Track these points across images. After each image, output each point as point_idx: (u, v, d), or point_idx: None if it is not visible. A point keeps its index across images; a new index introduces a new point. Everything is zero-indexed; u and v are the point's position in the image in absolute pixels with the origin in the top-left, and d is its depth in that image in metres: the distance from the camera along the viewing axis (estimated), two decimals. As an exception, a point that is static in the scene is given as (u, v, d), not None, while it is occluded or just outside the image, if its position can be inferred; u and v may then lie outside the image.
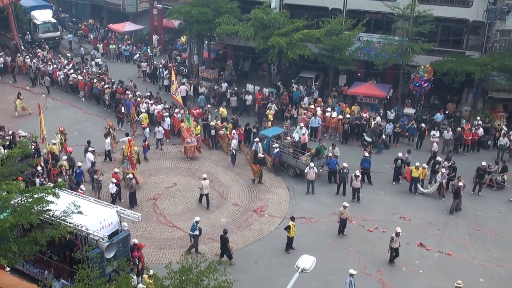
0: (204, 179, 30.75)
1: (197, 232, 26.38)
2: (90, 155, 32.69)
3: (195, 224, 26.38)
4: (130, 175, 30.90)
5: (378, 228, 28.98)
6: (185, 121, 36.53)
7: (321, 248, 27.20)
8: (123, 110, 40.20)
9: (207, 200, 30.72)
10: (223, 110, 40.40)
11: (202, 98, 43.39)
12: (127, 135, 34.96)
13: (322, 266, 24.20)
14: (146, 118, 38.92)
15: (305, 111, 39.30)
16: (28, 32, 57.23)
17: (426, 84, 40.09)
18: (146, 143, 35.73)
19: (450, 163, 32.53)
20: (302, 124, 36.97)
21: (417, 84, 40.21)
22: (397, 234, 25.63)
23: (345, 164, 31.99)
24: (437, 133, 36.89)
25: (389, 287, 24.75)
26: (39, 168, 30.48)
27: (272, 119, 39.01)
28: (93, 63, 52.47)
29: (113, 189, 30.07)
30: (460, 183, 30.27)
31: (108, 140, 35.14)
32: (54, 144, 33.52)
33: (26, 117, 41.36)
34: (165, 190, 32.44)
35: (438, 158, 33.36)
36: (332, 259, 26.51)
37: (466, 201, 31.15)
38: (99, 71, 48.75)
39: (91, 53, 55.81)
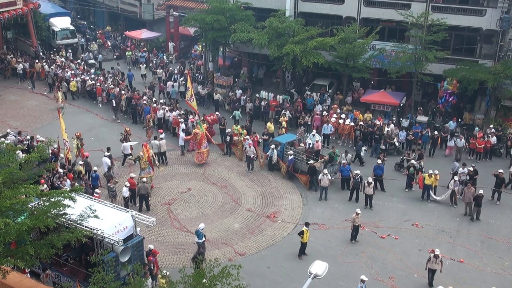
0: (161, 139, 35.62)
1: (204, 239, 26.28)
2: (106, 160, 33.11)
3: (200, 231, 26.26)
4: (144, 179, 31.19)
5: (391, 235, 29.12)
6: (198, 127, 36.68)
7: (333, 254, 27.40)
8: (114, 104, 42.76)
9: (165, 157, 35.97)
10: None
11: (174, 90, 46.36)
12: (155, 138, 36.01)
13: (335, 272, 24.54)
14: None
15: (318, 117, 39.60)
16: (45, 39, 58.04)
17: (451, 98, 40.35)
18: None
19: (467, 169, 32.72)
20: (315, 131, 37.23)
21: (443, 98, 40.43)
22: (436, 256, 24.76)
23: (358, 171, 32.26)
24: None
25: (400, 294, 24.94)
26: (60, 170, 31.08)
27: (285, 125, 39.21)
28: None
29: (126, 193, 30.45)
30: (481, 191, 30.41)
31: (127, 144, 35.60)
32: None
33: (44, 122, 41.96)
34: (180, 195, 32.78)
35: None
36: (345, 265, 26.69)
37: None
38: (117, 78, 49.22)
39: (83, 55, 56.77)
